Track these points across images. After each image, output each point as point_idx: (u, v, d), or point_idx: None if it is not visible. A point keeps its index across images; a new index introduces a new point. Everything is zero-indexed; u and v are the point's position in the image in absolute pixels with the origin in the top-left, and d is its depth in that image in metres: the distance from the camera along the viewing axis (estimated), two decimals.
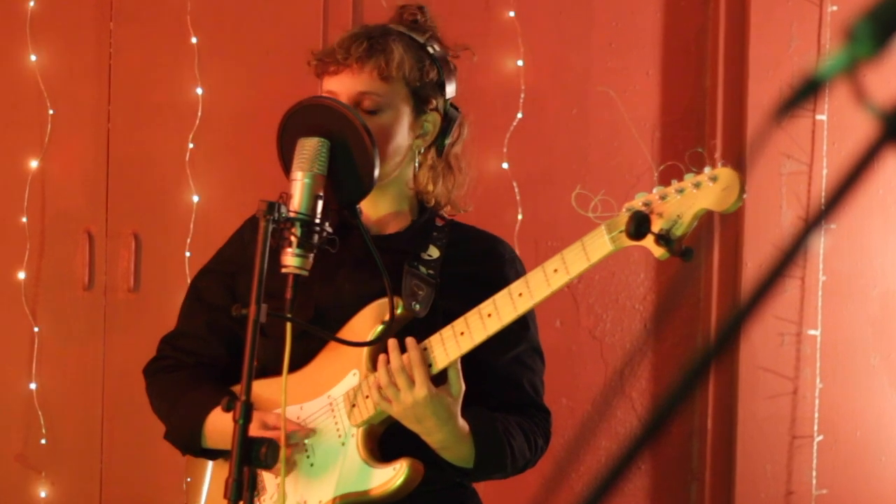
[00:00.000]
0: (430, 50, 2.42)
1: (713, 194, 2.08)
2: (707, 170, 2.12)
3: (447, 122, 2.45)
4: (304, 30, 3.81)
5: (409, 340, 2.25)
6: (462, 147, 2.49)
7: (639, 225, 2.09)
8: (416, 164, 2.44)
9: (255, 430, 2.23)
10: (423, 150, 2.43)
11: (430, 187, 2.45)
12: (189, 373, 2.48)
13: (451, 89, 2.46)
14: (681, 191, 2.11)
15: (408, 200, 2.47)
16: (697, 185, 2.10)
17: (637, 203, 2.15)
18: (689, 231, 2.11)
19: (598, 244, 2.16)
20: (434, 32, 2.46)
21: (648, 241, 2.11)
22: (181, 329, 2.54)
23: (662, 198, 2.12)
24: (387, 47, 2.36)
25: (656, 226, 2.10)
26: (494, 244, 2.51)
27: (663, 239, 2.09)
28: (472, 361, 2.30)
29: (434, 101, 2.42)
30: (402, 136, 2.39)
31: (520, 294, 2.22)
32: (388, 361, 2.25)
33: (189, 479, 2.57)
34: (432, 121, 2.43)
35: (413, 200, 2.47)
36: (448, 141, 2.46)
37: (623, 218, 2.15)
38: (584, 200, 2.21)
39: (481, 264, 2.46)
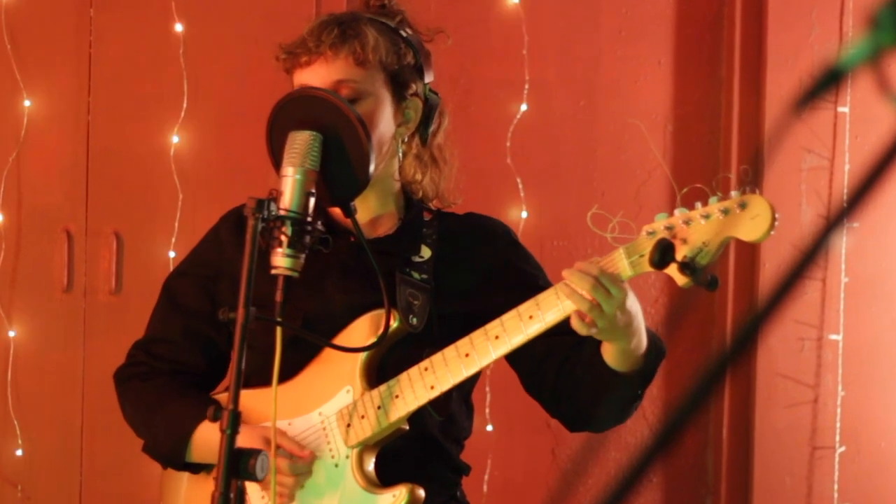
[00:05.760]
0: (403, 33, 2.42)
1: (742, 223, 2.07)
2: (734, 194, 2.10)
3: (429, 109, 2.44)
4: (296, 16, 3.81)
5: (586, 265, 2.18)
6: (444, 137, 2.49)
7: (663, 254, 2.08)
8: (401, 155, 2.43)
9: (253, 442, 2.23)
10: (406, 140, 2.43)
11: (418, 177, 2.44)
12: (167, 381, 2.47)
13: (429, 74, 2.46)
14: (707, 216, 2.10)
15: (393, 198, 2.46)
16: (725, 212, 2.09)
17: (658, 226, 2.14)
18: (715, 260, 2.10)
19: (617, 270, 2.16)
20: (404, 16, 2.46)
21: (672, 269, 2.10)
22: (155, 335, 2.53)
23: (687, 222, 2.11)
24: (360, 31, 2.36)
25: (680, 253, 2.09)
26: (485, 224, 2.51)
27: (688, 268, 2.08)
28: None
29: (414, 86, 2.41)
30: (386, 125, 2.37)
31: (530, 316, 2.23)
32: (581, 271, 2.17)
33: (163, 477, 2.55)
34: (414, 107, 2.42)
35: (399, 197, 2.47)
36: (431, 129, 2.45)
37: (643, 241, 2.14)
38: (599, 222, 2.20)
39: (476, 251, 2.46)
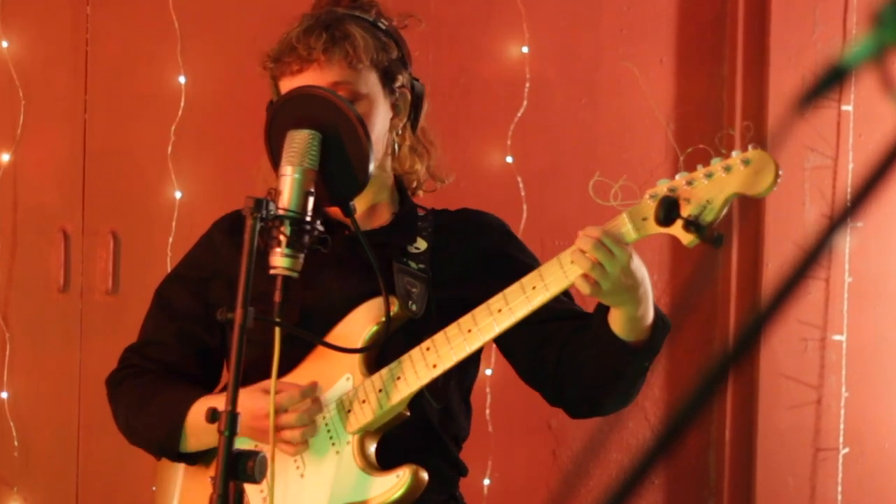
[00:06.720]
0: (382, 26, 2.45)
1: (745, 178, 2.09)
2: (736, 152, 2.12)
3: (416, 97, 2.48)
4: (294, 14, 3.81)
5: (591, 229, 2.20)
6: (425, 119, 2.52)
7: (668, 210, 2.10)
8: (396, 147, 2.46)
9: (254, 395, 2.24)
10: (399, 132, 2.46)
11: (417, 167, 2.48)
12: (159, 374, 2.48)
13: (410, 62, 2.49)
14: (709, 175, 2.12)
15: (388, 190, 2.49)
16: (728, 169, 2.11)
17: (661, 189, 2.16)
18: (720, 217, 2.11)
19: (621, 233, 2.17)
20: (378, 7, 2.48)
21: (676, 228, 2.12)
22: (148, 338, 2.53)
23: (689, 183, 2.14)
24: (347, 33, 2.38)
25: (685, 211, 2.11)
26: (479, 218, 2.54)
27: (693, 225, 2.10)
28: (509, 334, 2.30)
29: (401, 78, 2.44)
30: (382, 122, 2.41)
31: (533, 287, 2.24)
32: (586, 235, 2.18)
33: (155, 488, 2.55)
34: (403, 99, 2.45)
35: (392, 190, 2.50)
36: (421, 116, 2.49)
37: (646, 205, 2.16)
38: (601, 189, 2.21)
39: (471, 241, 2.48)
